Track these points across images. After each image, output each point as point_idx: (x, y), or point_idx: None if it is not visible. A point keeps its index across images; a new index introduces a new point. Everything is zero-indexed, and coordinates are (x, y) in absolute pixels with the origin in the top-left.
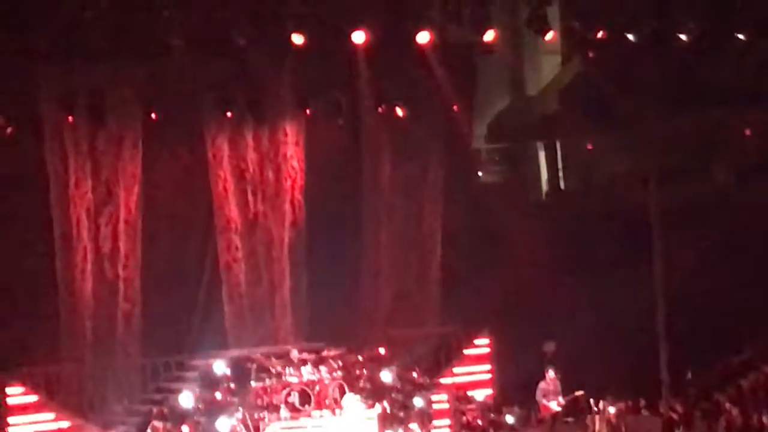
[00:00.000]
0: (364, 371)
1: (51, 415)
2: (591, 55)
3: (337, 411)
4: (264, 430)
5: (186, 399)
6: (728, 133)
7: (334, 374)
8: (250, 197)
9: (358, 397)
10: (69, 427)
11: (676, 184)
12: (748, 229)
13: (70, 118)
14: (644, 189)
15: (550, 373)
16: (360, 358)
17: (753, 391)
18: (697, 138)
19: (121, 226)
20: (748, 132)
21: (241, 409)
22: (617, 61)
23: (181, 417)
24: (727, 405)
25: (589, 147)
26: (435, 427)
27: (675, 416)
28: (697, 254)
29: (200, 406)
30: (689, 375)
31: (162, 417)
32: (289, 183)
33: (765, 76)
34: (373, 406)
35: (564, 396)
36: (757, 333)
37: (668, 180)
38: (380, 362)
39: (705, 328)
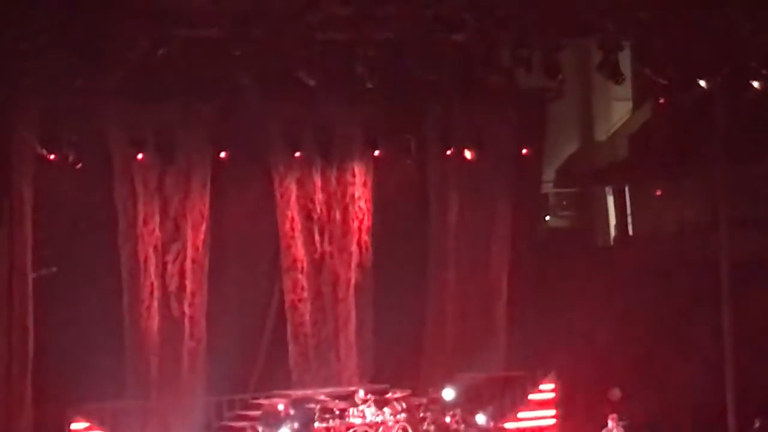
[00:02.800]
0: (428, 414)
1: None
2: (661, 101)
3: None
4: None
5: None
6: None
7: (398, 416)
8: (317, 237)
9: None
10: None
11: (746, 231)
12: None
13: (140, 155)
14: (714, 236)
15: (616, 421)
16: (424, 400)
17: None
18: None
19: (188, 263)
20: None
21: None
22: (688, 107)
23: None
24: None
25: (659, 193)
26: None
27: None
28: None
29: None
30: (757, 423)
31: None
32: (356, 224)
33: None
34: None
35: None
36: None
37: (739, 227)
38: (444, 405)
39: None
